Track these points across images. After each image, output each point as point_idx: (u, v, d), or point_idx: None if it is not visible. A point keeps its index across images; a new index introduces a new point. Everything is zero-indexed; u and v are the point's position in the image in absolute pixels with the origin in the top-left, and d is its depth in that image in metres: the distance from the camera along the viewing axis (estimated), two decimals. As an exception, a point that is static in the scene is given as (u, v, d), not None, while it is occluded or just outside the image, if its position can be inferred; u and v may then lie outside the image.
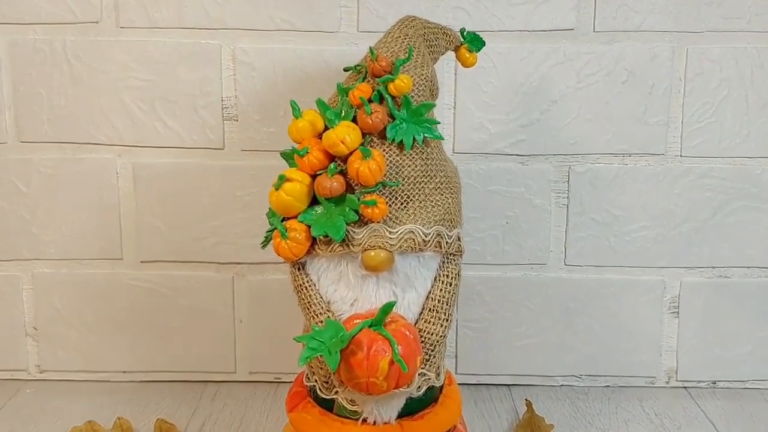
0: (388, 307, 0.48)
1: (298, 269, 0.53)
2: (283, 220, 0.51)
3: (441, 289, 0.53)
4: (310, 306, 0.52)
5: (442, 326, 0.52)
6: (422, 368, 0.52)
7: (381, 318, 0.48)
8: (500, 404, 0.79)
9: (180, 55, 0.76)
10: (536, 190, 0.79)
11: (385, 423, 0.53)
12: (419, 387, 0.53)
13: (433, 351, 0.52)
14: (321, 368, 0.53)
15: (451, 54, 0.61)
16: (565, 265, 0.80)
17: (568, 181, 0.79)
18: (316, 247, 0.52)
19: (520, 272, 0.81)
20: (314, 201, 0.52)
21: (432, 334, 0.52)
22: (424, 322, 0.53)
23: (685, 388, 0.83)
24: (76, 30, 0.76)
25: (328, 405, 0.54)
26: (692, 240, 0.80)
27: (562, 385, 0.83)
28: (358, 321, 0.50)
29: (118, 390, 0.82)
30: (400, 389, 0.51)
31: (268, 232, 0.54)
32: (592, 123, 0.77)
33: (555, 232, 0.80)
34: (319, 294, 0.53)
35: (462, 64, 0.62)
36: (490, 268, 0.80)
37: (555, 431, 0.71)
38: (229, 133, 0.78)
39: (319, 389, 0.54)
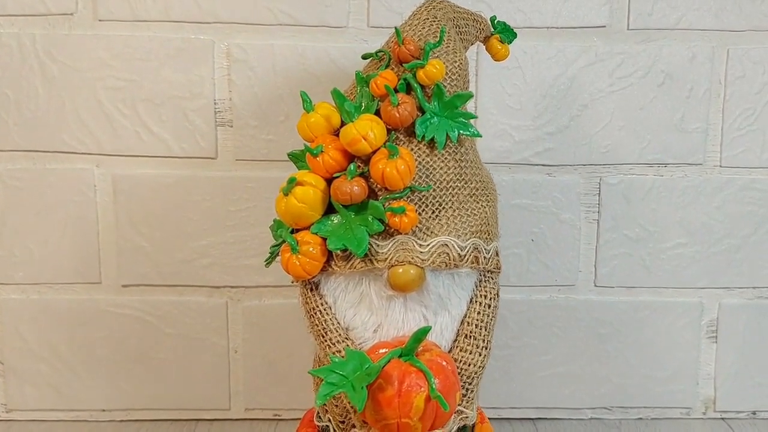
0: (421, 334, 0.36)
1: (311, 290, 0.41)
2: (293, 232, 0.39)
3: (479, 312, 0.41)
4: (326, 333, 0.40)
5: (480, 355, 0.40)
6: (459, 405, 0.40)
7: (413, 347, 0.36)
8: (525, 441, 0.67)
9: (166, 51, 0.63)
10: (564, 203, 0.66)
11: None
12: (450, 430, 0.41)
13: (471, 384, 0.40)
14: (336, 405, 0.41)
15: (470, 51, 0.50)
16: (595, 286, 0.68)
17: (599, 193, 0.66)
18: (333, 263, 0.39)
19: (546, 294, 0.68)
20: (330, 209, 0.39)
21: (470, 365, 0.40)
22: (460, 350, 0.41)
23: (723, 419, 0.70)
24: (47, 23, 0.62)
25: None
26: (732, 258, 0.67)
27: (591, 418, 0.70)
28: (384, 350, 0.37)
29: (96, 431, 0.67)
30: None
31: (273, 247, 0.41)
32: (625, 130, 0.65)
33: (584, 250, 0.67)
34: (336, 319, 0.40)
35: (492, 57, 0.50)
36: (513, 290, 0.67)
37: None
38: (223, 141, 0.64)
39: (334, 430, 0.42)
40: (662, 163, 0.65)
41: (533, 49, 0.63)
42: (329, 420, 0.43)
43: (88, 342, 0.67)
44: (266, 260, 0.43)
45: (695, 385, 0.69)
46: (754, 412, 0.69)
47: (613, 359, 0.68)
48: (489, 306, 0.41)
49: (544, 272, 0.67)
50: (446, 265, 0.39)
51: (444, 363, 0.38)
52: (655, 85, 0.64)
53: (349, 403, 0.39)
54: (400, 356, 0.37)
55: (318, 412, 0.45)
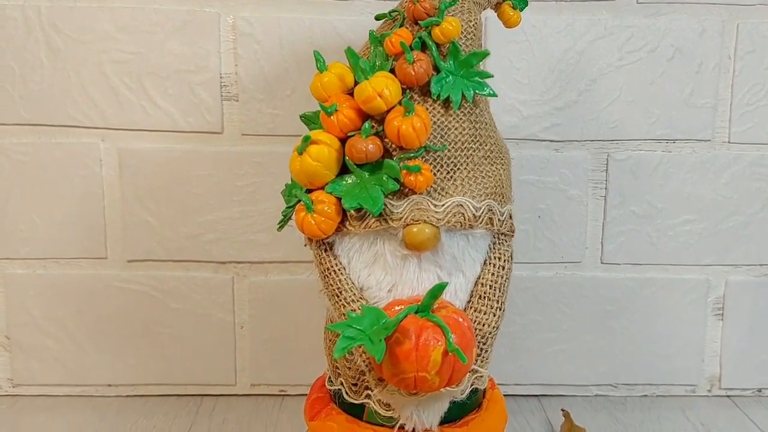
0: (437, 290, 0.35)
1: (325, 251, 0.39)
2: (307, 192, 0.37)
3: (493, 273, 0.39)
4: (340, 293, 0.38)
5: (495, 315, 0.39)
6: (474, 364, 0.38)
7: (429, 303, 0.35)
8: (532, 416, 0.64)
9: (172, 24, 0.60)
10: (572, 179, 0.64)
11: (426, 430, 0.39)
12: (464, 391, 0.39)
13: (485, 345, 0.39)
14: (348, 368, 0.39)
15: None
16: (602, 263, 0.66)
17: (607, 170, 0.64)
18: (347, 223, 0.38)
19: (553, 272, 0.66)
20: (343, 170, 0.38)
21: (484, 325, 0.39)
22: (475, 311, 0.39)
23: (728, 396, 0.68)
24: (52, -6, 0.61)
25: (356, 411, 0.41)
26: (740, 235, 0.65)
27: (596, 395, 0.68)
28: (400, 308, 0.36)
29: (102, 406, 0.64)
30: (451, 388, 0.37)
31: (287, 208, 0.39)
32: (633, 105, 0.63)
33: (591, 227, 0.65)
34: (350, 280, 0.39)
35: (504, 24, 0.48)
36: (519, 267, 0.65)
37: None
38: (229, 115, 0.62)
39: (346, 393, 0.40)
40: (670, 139, 0.64)
41: (542, 22, 0.61)
42: (341, 384, 0.41)
43: (94, 317, 0.65)
44: (279, 223, 0.41)
45: (701, 363, 0.67)
46: (759, 390, 0.68)
47: (618, 336, 0.66)
48: (503, 268, 0.40)
49: (550, 249, 0.65)
50: (461, 225, 0.38)
51: (460, 319, 0.36)
52: (664, 59, 0.62)
53: (365, 360, 0.37)
54: (416, 312, 0.35)
55: (329, 377, 0.43)
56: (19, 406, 0.65)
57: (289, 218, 0.41)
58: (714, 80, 0.63)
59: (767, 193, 0.64)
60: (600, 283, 0.66)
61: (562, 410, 0.62)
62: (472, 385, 0.40)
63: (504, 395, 0.65)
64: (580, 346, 0.67)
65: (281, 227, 0.41)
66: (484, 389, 0.44)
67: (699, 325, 0.66)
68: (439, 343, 0.34)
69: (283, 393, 0.67)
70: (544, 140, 0.63)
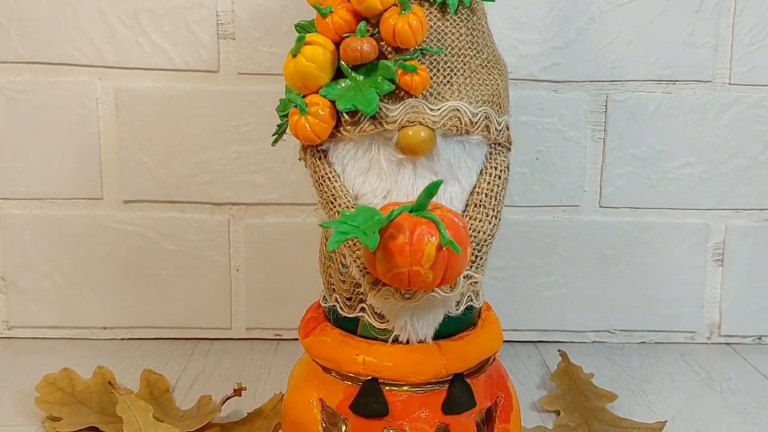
0: (432, 188, 0.34)
1: (319, 158, 0.39)
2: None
3: (488, 182, 0.39)
4: (335, 200, 0.38)
5: (490, 223, 0.39)
6: (469, 269, 0.38)
7: (424, 201, 0.35)
8: (528, 360, 0.65)
9: (169, -42, 0.61)
10: (570, 121, 0.64)
11: (420, 342, 0.39)
12: (458, 303, 0.39)
13: (480, 252, 0.39)
14: (343, 281, 0.40)
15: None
16: (600, 207, 0.66)
17: (606, 111, 0.64)
18: (341, 129, 0.37)
19: (551, 215, 0.66)
20: (338, 76, 0.38)
21: (479, 232, 0.39)
22: (470, 219, 0.39)
23: (728, 344, 0.68)
24: (47, -73, 0.60)
25: (350, 326, 0.41)
26: (740, 178, 0.65)
27: (594, 342, 0.68)
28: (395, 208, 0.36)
29: (97, 348, 0.65)
30: (444, 290, 0.37)
31: (281, 116, 0.39)
32: (633, 45, 0.63)
33: (590, 170, 0.65)
34: (345, 187, 0.38)
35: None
36: (517, 211, 0.65)
37: (595, 380, 0.58)
38: (225, 54, 0.62)
39: (341, 308, 0.40)
40: (670, 80, 0.64)
41: (541, -41, 0.62)
42: (336, 300, 0.41)
43: (90, 258, 0.65)
44: (274, 135, 0.41)
45: (700, 309, 0.67)
46: (759, 337, 0.68)
47: (616, 281, 0.67)
48: (499, 177, 0.39)
49: (548, 192, 0.65)
50: (457, 130, 0.37)
51: (455, 219, 0.36)
52: (665, -2, 0.63)
53: (359, 265, 0.37)
54: (410, 211, 0.35)
55: (324, 296, 0.43)
56: (15, 348, 0.65)
57: (284, 131, 0.41)
58: (715, 20, 0.63)
59: (768, 135, 0.65)
60: (598, 227, 0.66)
61: (559, 351, 0.62)
62: (467, 295, 0.39)
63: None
64: (577, 292, 0.67)
65: (276, 141, 0.41)
66: (479, 310, 0.45)
67: (698, 270, 0.66)
68: (433, 237, 0.34)
69: (278, 337, 0.68)
70: (542, 81, 0.63)
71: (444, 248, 0.33)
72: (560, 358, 0.61)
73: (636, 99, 0.64)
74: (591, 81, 0.63)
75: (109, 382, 0.53)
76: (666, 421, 0.49)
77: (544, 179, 0.65)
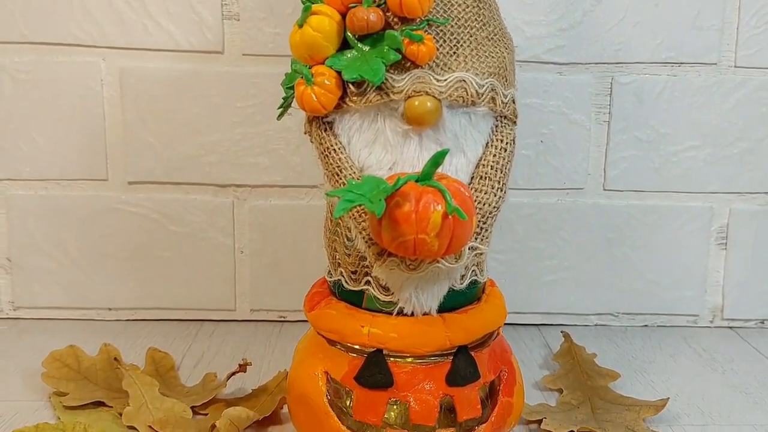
0: (439, 157, 0.35)
1: (325, 130, 0.39)
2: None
3: (494, 155, 0.39)
4: (340, 171, 0.38)
5: (495, 195, 0.39)
6: (474, 241, 0.38)
7: (430, 171, 0.35)
8: (531, 342, 0.65)
9: (174, -62, 0.61)
10: (575, 103, 0.64)
11: (425, 314, 0.39)
12: (463, 277, 0.40)
13: (485, 224, 0.39)
14: (348, 254, 0.40)
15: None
16: (604, 190, 0.66)
17: (611, 94, 0.64)
18: (347, 99, 0.38)
19: (555, 198, 0.66)
20: (344, 47, 0.38)
21: (485, 204, 0.39)
22: (475, 191, 0.39)
23: (731, 327, 0.68)
24: None
25: (355, 299, 0.41)
26: (745, 162, 0.65)
27: (596, 325, 0.68)
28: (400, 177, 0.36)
29: (102, 329, 0.65)
30: (449, 260, 0.37)
31: (287, 88, 0.39)
32: (639, 27, 0.62)
33: (594, 153, 0.65)
34: (350, 159, 0.39)
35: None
36: (521, 194, 0.65)
37: (598, 361, 0.58)
38: (230, 35, 0.62)
39: (346, 281, 0.41)
40: (676, 62, 0.64)
41: (547, -60, 0.62)
42: (341, 274, 0.42)
43: (95, 239, 0.66)
44: (279, 108, 0.41)
45: (703, 293, 0.67)
46: (762, 321, 0.68)
47: (620, 265, 0.67)
48: (505, 150, 0.40)
49: (552, 175, 0.65)
50: (463, 101, 0.38)
51: (461, 189, 0.37)
52: (671, -20, 0.63)
53: (365, 237, 0.37)
54: (416, 181, 0.35)
55: (329, 270, 0.44)
56: (21, 328, 0.66)
57: (289, 104, 0.41)
58: (720, 2, 0.62)
59: (773, 118, 0.65)
60: (602, 211, 0.66)
61: (562, 332, 0.62)
62: (471, 269, 0.40)
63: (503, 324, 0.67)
64: (581, 275, 0.67)
65: (281, 115, 0.42)
66: (484, 285, 0.45)
67: (702, 254, 0.67)
68: (439, 206, 0.34)
69: (282, 319, 0.68)
70: (547, 62, 0.63)
71: (450, 216, 0.33)
72: (563, 338, 0.61)
73: (641, 81, 0.64)
74: (596, 63, 0.63)
75: (115, 358, 0.53)
76: (668, 398, 0.50)
77: (548, 162, 0.65)
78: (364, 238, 0.38)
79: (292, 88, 0.39)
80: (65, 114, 0.64)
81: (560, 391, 0.53)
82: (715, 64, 0.64)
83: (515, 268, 0.67)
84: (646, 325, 0.68)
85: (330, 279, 0.43)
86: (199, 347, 0.62)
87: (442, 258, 0.36)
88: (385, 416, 0.40)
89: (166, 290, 0.67)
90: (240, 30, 0.63)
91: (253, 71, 0.63)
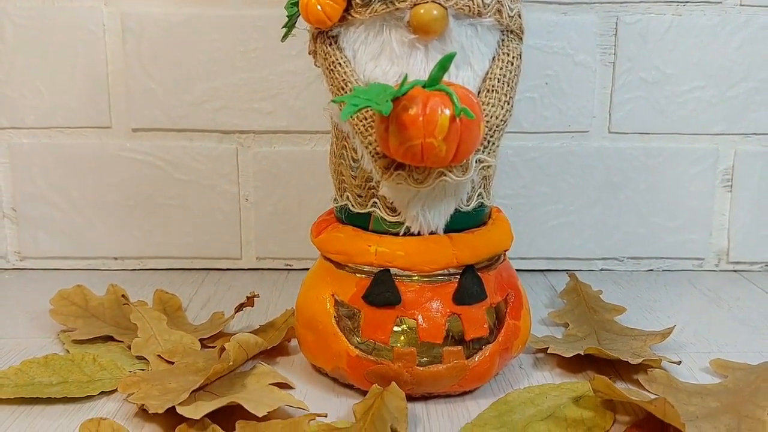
0: (446, 60, 0.34)
1: (330, 44, 0.39)
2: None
3: (501, 68, 0.39)
4: (346, 85, 0.38)
5: (502, 108, 0.39)
6: (481, 153, 0.39)
7: (437, 75, 0.35)
8: (537, 286, 0.66)
9: None
10: (579, 44, 0.64)
11: (432, 233, 0.40)
12: (469, 198, 0.40)
13: (492, 137, 0.39)
14: (354, 177, 0.40)
15: None
16: (609, 132, 0.66)
17: (616, 34, 0.64)
18: (352, 11, 0.38)
19: (559, 141, 0.66)
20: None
21: (492, 117, 0.39)
22: (482, 104, 0.39)
23: (736, 271, 0.69)
24: None
25: (362, 222, 0.42)
26: (751, 102, 0.65)
27: (602, 269, 0.69)
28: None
29: (108, 278, 0.64)
30: (456, 173, 0.37)
31: (290, 6, 0.39)
32: (643, -35, 0.64)
33: (599, 95, 0.65)
34: (356, 72, 0.39)
35: None
36: (525, 137, 0.65)
37: (604, 296, 0.58)
38: (232, -22, 0.64)
39: (352, 205, 0.41)
40: (681, 1, 0.63)
41: None
42: (347, 198, 0.42)
43: (100, 188, 0.66)
44: (284, 27, 0.41)
45: (708, 236, 0.68)
46: None
47: (625, 208, 0.67)
48: (512, 63, 0.40)
49: (557, 117, 0.65)
50: (469, 10, 0.38)
51: (469, 94, 0.37)
52: None
53: (371, 151, 0.37)
54: (423, 86, 0.35)
55: (335, 197, 0.44)
56: (27, 278, 0.66)
57: (294, 24, 0.42)
58: (727, -61, 0.63)
59: (779, 58, 0.64)
60: (607, 154, 0.66)
61: (568, 272, 0.63)
62: (478, 191, 0.40)
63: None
64: (585, 219, 0.67)
65: (286, 35, 0.42)
66: (490, 211, 0.45)
67: (707, 196, 0.67)
68: (447, 110, 0.34)
69: (288, 267, 0.68)
70: (551, 2, 0.63)
71: (457, 120, 0.33)
72: (569, 278, 0.62)
73: (646, 21, 0.63)
74: (601, 2, 0.63)
75: (123, 295, 0.54)
76: (674, 325, 0.50)
77: (553, 104, 0.65)
78: (370, 152, 0.38)
79: (296, 4, 0.39)
80: (68, 61, 0.64)
81: (566, 325, 0.54)
82: (720, 2, 0.63)
83: (520, 212, 0.67)
84: (651, 269, 0.68)
85: (336, 205, 0.43)
86: (206, 293, 0.63)
87: (450, 170, 0.36)
88: (393, 335, 0.41)
89: (171, 239, 0.67)
90: (241, -27, 0.62)
91: (256, 14, 0.63)
